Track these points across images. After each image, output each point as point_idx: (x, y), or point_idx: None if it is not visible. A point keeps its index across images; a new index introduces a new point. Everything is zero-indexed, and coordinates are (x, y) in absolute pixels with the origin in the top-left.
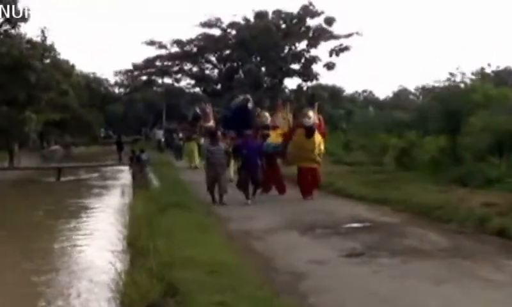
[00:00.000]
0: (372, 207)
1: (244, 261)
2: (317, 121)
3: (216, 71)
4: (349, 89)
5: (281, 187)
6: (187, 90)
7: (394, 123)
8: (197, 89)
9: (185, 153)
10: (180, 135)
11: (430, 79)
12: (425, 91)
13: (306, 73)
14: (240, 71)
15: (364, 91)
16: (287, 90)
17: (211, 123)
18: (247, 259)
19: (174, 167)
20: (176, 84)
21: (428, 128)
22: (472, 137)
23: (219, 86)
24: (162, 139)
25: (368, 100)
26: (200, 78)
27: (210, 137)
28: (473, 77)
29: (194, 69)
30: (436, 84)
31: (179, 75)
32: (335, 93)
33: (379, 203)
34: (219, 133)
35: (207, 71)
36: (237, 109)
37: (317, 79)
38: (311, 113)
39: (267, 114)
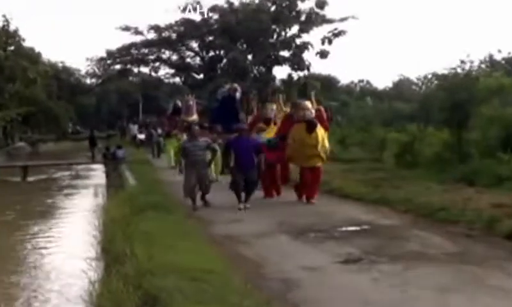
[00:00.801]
0: (371, 208)
1: (230, 268)
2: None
3: (198, 59)
4: (344, 79)
5: (276, 187)
6: (166, 80)
7: (394, 116)
8: (177, 80)
9: (166, 151)
10: (159, 130)
11: (434, 68)
12: (428, 80)
13: (297, 62)
14: (224, 60)
15: (361, 81)
16: (276, 80)
17: (194, 117)
18: (233, 266)
19: (152, 165)
20: (153, 74)
21: (431, 120)
22: (480, 131)
23: (201, 76)
24: (139, 135)
25: (365, 90)
26: (180, 68)
27: (187, 132)
28: (482, 65)
29: (174, 57)
30: (443, 72)
31: (157, 64)
32: (328, 83)
33: (379, 203)
34: (196, 128)
35: (188, 60)
36: (223, 100)
37: (308, 69)
38: (309, 104)
39: (273, 106)
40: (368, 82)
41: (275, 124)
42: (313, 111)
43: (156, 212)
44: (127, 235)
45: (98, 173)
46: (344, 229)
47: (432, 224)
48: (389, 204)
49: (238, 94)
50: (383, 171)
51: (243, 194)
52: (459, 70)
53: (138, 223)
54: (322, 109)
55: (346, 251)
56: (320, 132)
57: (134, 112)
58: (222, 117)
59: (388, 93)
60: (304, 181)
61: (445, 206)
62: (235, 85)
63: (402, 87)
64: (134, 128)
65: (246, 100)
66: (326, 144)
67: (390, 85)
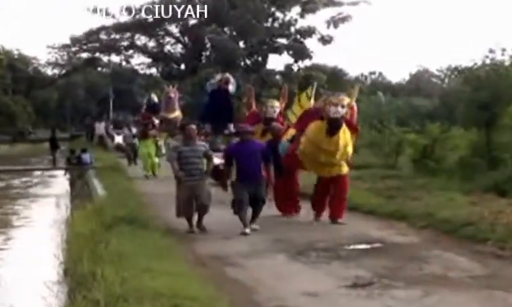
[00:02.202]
0: (384, 223)
1: (218, 293)
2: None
3: (180, 47)
4: (352, 72)
5: (294, 203)
6: (141, 71)
7: (412, 113)
8: (154, 71)
9: (141, 156)
10: (134, 130)
11: (457, 59)
12: (452, 72)
13: (298, 50)
14: (210, 47)
15: (372, 74)
16: (276, 73)
17: (176, 113)
18: (221, 291)
19: (125, 172)
20: (126, 64)
21: (455, 119)
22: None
23: (183, 66)
24: (117, 138)
25: (377, 84)
26: (158, 56)
27: (182, 133)
28: None
29: (151, 44)
30: (470, 63)
31: (130, 52)
32: (335, 75)
33: (393, 217)
34: (193, 127)
35: (168, 48)
36: (213, 94)
37: (310, 58)
38: (346, 99)
39: (276, 102)
40: (380, 74)
41: (283, 125)
42: (345, 109)
43: (130, 227)
44: (95, 254)
45: (60, 180)
46: (351, 247)
47: (456, 242)
48: (405, 219)
49: (231, 87)
50: (398, 179)
51: (249, 215)
52: (487, 61)
53: (108, 240)
54: (355, 106)
55: (354, 274)
56: (345, 135)
57: (104, 109)
58: (212, 115)
59: (404, 87)
60: (320, 194)
61: (471, 221)
62: (227, 75)
63: (420, 80)
64: (101, 126)
65: (247, 93)
66: (349, 150)
67: (407, 78)
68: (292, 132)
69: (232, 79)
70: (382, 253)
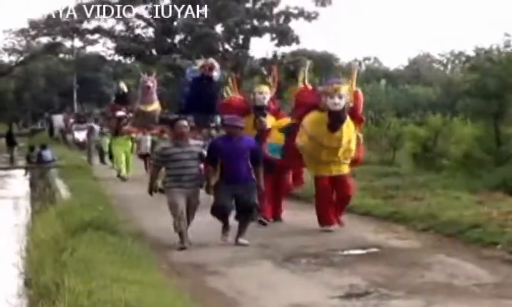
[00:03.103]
0: (381, 226)
1: (195, 305)
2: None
3: (151, 30)
4: (344, 57)
5: (278, 206)
6: (108, 58)
7: (412, 103)
8: (123, 57)
9: (115, 156)
10: (97, 126)
11: (462, 43)
12: (456, 57)
13: (282, 33)
14: (183, 30)
15: (366, 59)
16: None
17: (155, 106)
18: (199, 303)
19: (93, 171)
20: (92, 49)
21: (459, 110)
22: None
23: (154, 52)
24: (77, 134)
25: (372, 70)
26: (127, 41)
27: (171, 130)
28: None
29: (119, 27)
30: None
31: (96, 36)
32: (324, 61)
33: (391, 219)
34: (184, 123)
35: (138, 31)
36: (195, 82)
37: (297, 42)
38: (342, 88)
39: (264, 87)
40: (376, 59)
41: (276, 115)
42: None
43: (97, 232)
44: (59, 263)
45: (20, 181)
46: (345, 253)
47: (461, 246)
48: (405, 221)
49: (216, 74)
50: (396, 177)
51: (231, 219)
52: (501, 46)
53: (74, 247)
54: (360, 92)
55: (348, 282)
56: (349, 130)
57: (67, 101)
58: (195, 106)
59: (402, 74)
60: (320, 197)
61: (478, 223)
62: (211, 60)
63: (420, 66)
64: (59, 119)
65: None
66: (352, 146)
67: (405, 63)
68: (285, 121)
69: (216, 65)
70: (379, 259)
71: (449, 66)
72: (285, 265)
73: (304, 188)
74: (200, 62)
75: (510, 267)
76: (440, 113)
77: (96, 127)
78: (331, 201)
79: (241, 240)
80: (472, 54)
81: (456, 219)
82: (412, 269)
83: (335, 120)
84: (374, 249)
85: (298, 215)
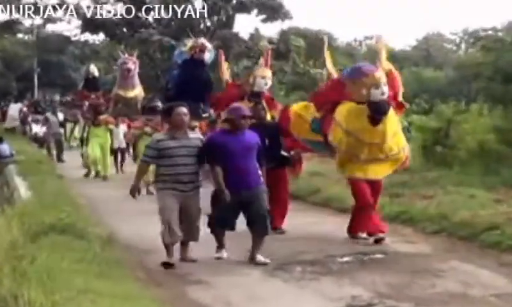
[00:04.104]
0: (387, 228)
1: None
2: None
3: (120, 6)
4: (343, 37)
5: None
6: (74, 38)
7: (421, 88)
8: (91, 37)
9: (91, 150)
10: (61, 115)
11: (476, 21)
12: (471, 36)
13: (272, 7)
14: (158, 5)
15: (368, 39)
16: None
17: (136, 91)
18: None
19: (56, 166)
20: (54, 28)
21: (474, 96)
22: None
23: (125, 30)
24: (36, 127)
25: (376, 51)
26: (95, 19)
27: (165, 119)
28: None
29: (85, 3)
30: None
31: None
32: (320, 41)
33: (397, 221)
34: (183, 110)
35: (107, 7)
36: (185, 65)
37: (290, 18)
38: (379, 73)
39: (268, 72)
40: (378, 39)
41: (270, 104)
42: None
43: (63, 236)
44: (17, 272)
45: None
46: (345, 259)
47: (477, 251)
48: (413, 223)
49: (208, 55)
50: (403, 172)
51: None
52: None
53: (35, 253)
54: (395, 71)
55: (349, 293)
56: (393, 120)
57: (27, 87)
58: (184, 93)
59: (409, 55)
60: (360, 203)
61: (496, 225)
62: (203, 41)
63: (430, 47)
64: (15, 107)
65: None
66: (402, 141)
67: (413, 43)
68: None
69: (208, 45)
70: (384, 266)
71: (463, 47)
72: (276, 273)
73: (301, 187)
74: (190, 43)
75: None
76: (452, 99)
77: (53, 118)
78: (372, 206)
79: (260, 258)
80: (483, 32)
81: (470, 220)
82: (421, 277)
83: (377, 111)
84: (378, 255)
85: (293, 217)
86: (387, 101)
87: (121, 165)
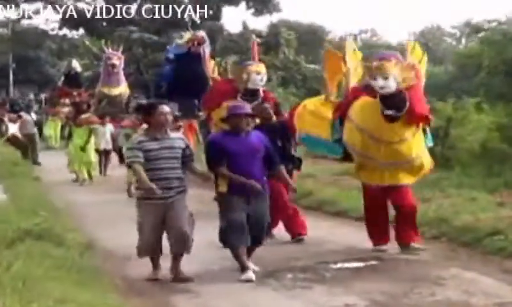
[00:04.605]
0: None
1: None
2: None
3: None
4: (336, 30)
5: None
6: (51, 32)
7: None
8: (69, 32)
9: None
10: (33, 115)
11: (478, 14)
12: (472, 29)
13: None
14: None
15: (363, 32)
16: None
17: (121, 88)
18: None
19: (32, 167)
20: (29, 22)
21: (475, 92)
22: None
23: (105, 25)
24: (12, 128)
25: (370, 45)
26: (73, 12)
27: (144, 118)
28: None
29: None
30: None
31: (35, 6)
32: (312, 34)
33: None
34: (167, 109)
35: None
36: (180, 59)
37: (279, 11)
38: (390, 66)
39: (263, 67)
40: (374, 33)
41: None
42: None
43: (39, 243)
44: None
45: None
46: (339, 266)
47: (479, 257)
48: None
49: (205, 50)
50: None
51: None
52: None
53: (10, 260)
54: (418, 65)
55: (343, 302)
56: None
57: (1, 84)
58: (178, 90)
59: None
60: (374, 214)
61: (499, 229)
62: (201, 33)
63: (429, 40)
64: None
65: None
66: (421, 146)
67: (411, 38)
68: None
69: (206, 38)
70: (380, 273)
71: (463, 41)
72: (266, 281)
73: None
74: (187, 35)
75: None
76: (452, 96)
77: (27, 117)
78: (386, 217)
79: (246, 275)
80: (487, 25)
81: (472, 224)
82: (420, 285)
83: (388, 106)
84: (374, 262)
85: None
86: (403, 96)
87: (105, 168)
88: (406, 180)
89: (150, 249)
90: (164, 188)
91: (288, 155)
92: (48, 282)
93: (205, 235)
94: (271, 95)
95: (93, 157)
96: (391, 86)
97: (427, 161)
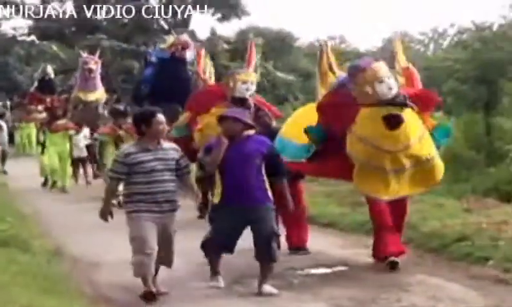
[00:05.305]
0: (349, 239)
1: None
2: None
3: (70, 3)
4: (305, 37)
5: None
6: (19, 38)
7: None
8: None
9: (49, 158)
10: (2, 123)
11: (446, 21)
12: (440, 36)
13: (229, 5)
14: (108, 7)
15: (331, 39)
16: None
17: (98, 94)
18: None
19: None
20: None
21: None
22: None
23: (74, 29)
24: None
25: (339, 52)
26: (42, 17)
27: (140, 127)
28: None
29: (30, 0)
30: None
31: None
32: (280, 42)
33: (361, 231)
34: (163, 118)
35: (54, 4)
36: (163, 64)
37: (247, 15)
38: (377, 65)
39: (252, 74)
40: (342, 39)
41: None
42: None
43: (4, 249)
44: None
45: None
46: (306, 272)
47: (446, 263)
48: None
49: (190, 55)
50: None
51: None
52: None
53: None
54: (412, 69)
55: None
56: (414, 120)
57: None
58: (160, 94)
59: (375, 56)
60: (380, 223)
61: (465, 235)
62: (185, 37)
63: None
64: None
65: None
66: (431, 148)
67: (379, 44)
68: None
69: (190, 43)
70: (347, 279)
71: (431, 47)
72: (233, 288)
73: None
74: (170, 39)
75: (504, 287)
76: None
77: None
78: (396, 228)
79: (267, 288)
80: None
81: (439, 230)
82: (387, 291)
83: (392, 115)
84: (341, 268)
85: None
86: (403, 98)
87: (86, 177)
88: (414, 189)
89: (144, 261)
90: (156, 202)
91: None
92: (14, 288)
93: (176, 243)
94: (266, 104)
95: (69, 165)
96: (396, 87)
97: (439, 165)
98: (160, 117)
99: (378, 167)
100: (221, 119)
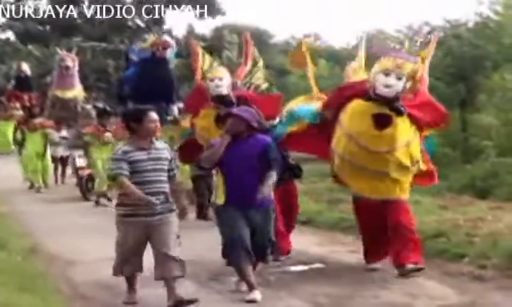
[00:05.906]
0: (326, 236)
1: None
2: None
3: (46, 2)
4: (280, 34)
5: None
6: None
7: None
8: (11, 34)
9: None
10: None
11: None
12: (416, 32)
13: (204, 3)
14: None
15: (307, 36)
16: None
17: (76, 91)
18: None
19: None
20: None
21: None
22: (498, 112)
23: (49, 28)
24: None
25: (314, 50)
26: (16, 15)
27: (131, 126)
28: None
29: None
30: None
31: None
32: (257, 38)
33: (338, 228)
34: (155, 116)
35: (29, 3)
36: (144, 63)
37: (223, 14)
38: (408, 67)
39: (220, 71)
40: (317, 36)
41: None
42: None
43: None
44: None
45: None
46: (282, 269)
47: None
48: (354, 230)
49: (169, 53)
50: None
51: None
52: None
53: None
54: (425, 76)
55: (288, 305)
56: (405, 126)
57: None
58: (142, 93)
59: (350, 53)
60: (364, 227)
61: (441, 232)
62: (165, 37)
63: (373, 44)
64: None
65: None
66: (415, 151)
67: (354, 41)
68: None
69: (171, 42)
70: (324, 277)
71: (406, 44)
72: (210, 284)
73: None
74: (151, 38)
75: (480, 284)
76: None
77: None
78: (382, 232)
79: (252, 295)
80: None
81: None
82: (364, 288)
83: (382, 115)
84: (318, 265)
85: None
86: (398, 99)
87: (63, 175)
88: (399, 193)
89: (129, 269)
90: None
91: (286, 164)
92: None
93: None
94: (259, 99)
95: (50, 163)
96: (399, 87)
97: (427, 171)
98: (153, 115)
99: (362, 167)
100: (226, 115)
